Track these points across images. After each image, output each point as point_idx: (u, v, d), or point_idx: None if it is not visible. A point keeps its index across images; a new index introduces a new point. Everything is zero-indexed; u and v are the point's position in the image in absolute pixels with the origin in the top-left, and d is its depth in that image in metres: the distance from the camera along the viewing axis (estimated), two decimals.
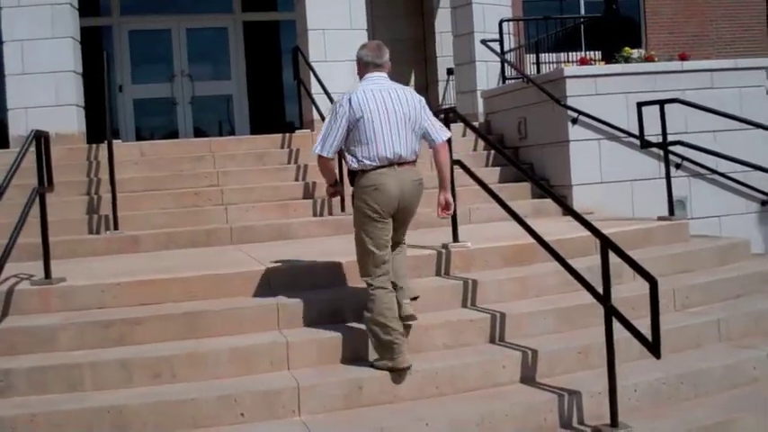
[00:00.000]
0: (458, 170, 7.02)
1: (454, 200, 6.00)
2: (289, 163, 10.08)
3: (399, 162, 5.35)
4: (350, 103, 5.35)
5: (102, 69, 9.83)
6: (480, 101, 12.08)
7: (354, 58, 5.69)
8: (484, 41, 11.95)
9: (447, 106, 13.87)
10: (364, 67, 5.58)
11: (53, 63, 10.61)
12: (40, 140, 6.30)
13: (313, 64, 11.01)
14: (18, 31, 10.62)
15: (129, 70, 14.58)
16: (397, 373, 5.27)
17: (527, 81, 10.52)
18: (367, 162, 5.33)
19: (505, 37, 12.18)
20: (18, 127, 10.50)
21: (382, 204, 5.31)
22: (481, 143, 10.76)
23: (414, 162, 5.46)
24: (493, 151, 10.38)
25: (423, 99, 5.63)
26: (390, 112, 5.35)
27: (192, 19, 14.83)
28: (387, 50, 5.61)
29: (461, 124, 8.90)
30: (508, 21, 12.44)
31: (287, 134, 10.65)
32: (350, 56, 11.33)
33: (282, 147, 10.45)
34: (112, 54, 14.16)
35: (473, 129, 7.56)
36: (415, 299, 5.72)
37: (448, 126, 6.68)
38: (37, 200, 6.27)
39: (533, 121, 10.43)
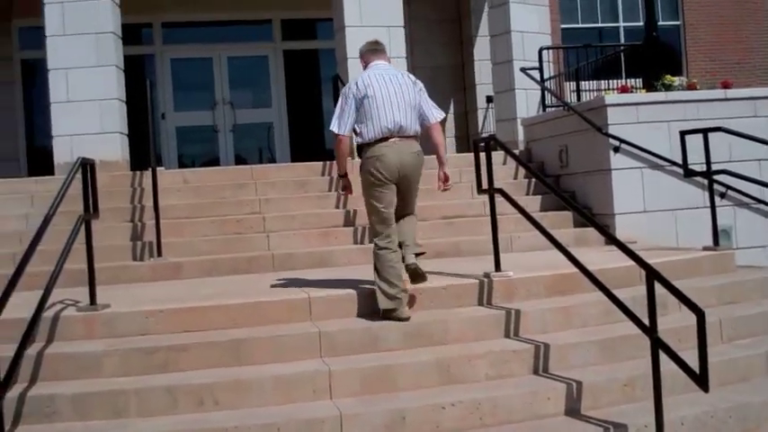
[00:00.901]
0: (499, 198, 6.98)
1: (496, 228, 6.64)
2: (329, 190, 10.12)
3: (400, 134, 6.13)
4: (356, 85, 6.19)
5: (145, 97, 9.96)
6: (520, 129, 12.06)
7: None
8: (523, 69, 11.94)
9: (487, 134, 13.87)
10: (367, 57, 6.48)
11: (97, 91, 10.76)
12: (87, 168, 6.37)
13: None
14: (63, 60, 10.80)
15: (171, 98, 14.77)
16: (397, 322, 5.98)
17: (567, 109, 10.48)
18: (371, 135, 6.11)
19: (545, 65, 12.16)
20: (63, 154, 10.64)
21: (384, 171, 6.09)
22: (522, 171, 10.73)
23: (415, 137, 6.26)
24: (534, 179, 10.35)
25: (420, 83, 6.40)
26: (391, 92, 6.15)
27: (234, 47, 15.01)
28: (383, 43, 6.55)
29: (502, 152, 8.88)
30: (548, 49, 12.42)
31: (327, 161, 10.69)
32: None
33: (323, 174, 10.49)
34: (155, 82, 14.35)
35: (514, 157, 7.54)
36: (420, 254, 6.40)
37: (489, 154, 6.99)
38: (83, 227, 6.33)
39: (574, 149, 10.38)
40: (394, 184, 6.16)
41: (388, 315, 6.06)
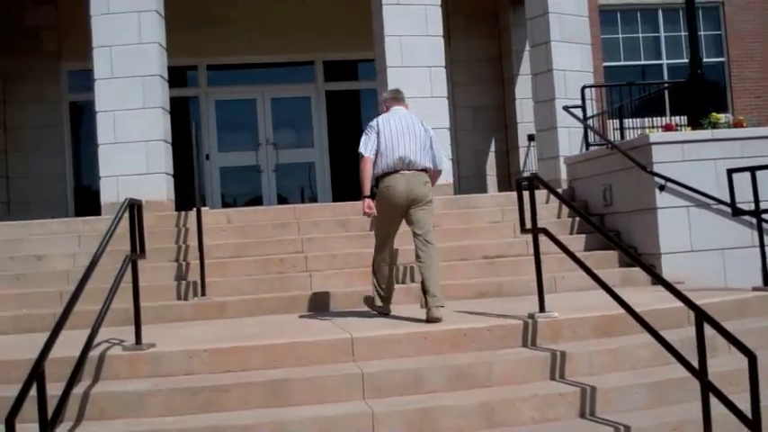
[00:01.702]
0: (542, 238, 6.95)
1: (540, 268, 6.87)
2: (371, 229, 10.09)
3: (409, 168, 7.16)
4: (377, 123, 7.33)
5: (190, 138, 10.09)
6: (563, 167, 12.00)
7: (433, 126, 7.80)
8: (566, 108, 11.91)
9: (528, 172, 13.81)
10: (389, 103, 7.63)
11: (144, 132, 10.94)
12: (134, 209, 6.45)
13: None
14: (111, 102, 10.99)
15: (215, 139, 14.95)
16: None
17: (611, 147, 10.41)
18: (385, 168, 7.17)
19: (587, 103, 12.12)
20: (109, 194, 10.80)
21: (393, 198, 7.13)
22: (565, 210, 10.66)
23: (424, 170, 7.26)
24: (578, 218, 10.28)
25: (431, 130, 7.51)
26: (404, 132, 7.23)
27: (277, 89, 15.19)
28: (403, 92, 7.73)
29: (544, 191, 8.83)
30: (590, 87, 12.39)
31: None
32: (431, 124, 11.42)
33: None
34: (200, 123, 14.54)
35: (557, 195, 7.48)
36: (441, 307, 6.90)
37: (532, 193, 7.04)
38: (129, 266, 6.39)
39: (619, 188, 10.30)
40: (400, 209, 7.19)
41: (380, 311, 7.67)
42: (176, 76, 13.41)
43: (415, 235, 7.20)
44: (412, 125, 7.31)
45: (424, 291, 6.95)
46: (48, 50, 14.37)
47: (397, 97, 7.63)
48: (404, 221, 7.39)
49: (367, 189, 7.17)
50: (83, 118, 14.55)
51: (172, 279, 9.12)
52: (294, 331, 6.94)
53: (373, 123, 7.36)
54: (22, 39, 14.19)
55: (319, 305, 8.55)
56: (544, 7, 12.51)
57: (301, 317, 8.09)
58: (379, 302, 7.67)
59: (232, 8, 14.51)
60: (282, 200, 14.99)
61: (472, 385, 5.87)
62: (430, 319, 6.79)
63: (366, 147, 7.23)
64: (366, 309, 8.10)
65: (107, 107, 11.02)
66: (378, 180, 7.27)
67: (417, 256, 7.17)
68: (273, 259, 9.45)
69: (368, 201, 7.18)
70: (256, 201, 14.89)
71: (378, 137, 7.21)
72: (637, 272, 8.97)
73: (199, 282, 8.72)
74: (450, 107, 12.37)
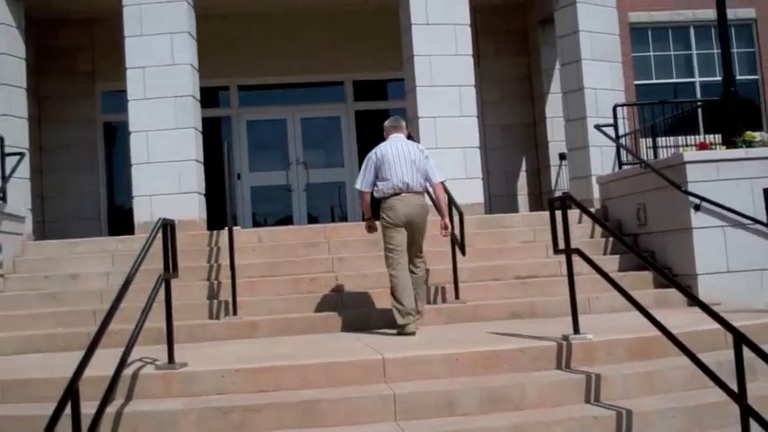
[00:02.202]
0: (576, 258, 6.88)
1: (573, 289, 6.76)
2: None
3: (408, 190, 7.85)
4: (376, 154, 8.00)
5: (221, 158, 10.15)
6: (595, 186, 11.92)
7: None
8: (597, 126, 11.84)
9: (560, 191, 13.74)
10: (388, 131, 8.28)
11: (176, 152, 11.04)
12: (167, 228, 6.48)
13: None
14: (144, 122, 11.12)
15: (246, 158, 15.02)
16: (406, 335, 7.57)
17: (644, 166, 10.33)
18: (386, 191, 7.88)
19: (619, 121, 12.04)
20: (143, 214, 10.90)
21: (394, 219, 7.83)
22: (598, 230, 10.59)
23: (420, 193, 8.01)
24: (611, 238, 10.20)
25: (426, 151, 8.19)
26: (401, 158, 7.90)
27: (307, 109, 15.25)
28: (403, 120, 8.37)
29: (577, 210, 8.77)
30: (622, 106, 12.32)
31: None
32: (461, 143, 11.56)
33: None
34: (231, 143, 14.61)
35: (590, 215, 7.42)
36: (419, 312, 7.96)
37: (564, 213, 6.93)
38: (162, 285, 6.41)
39: (653, 208, 10.21)
40: (403, 227, 7.85)
41: (401, 331, 7.67)
42: (208, 97, 13.52)
43: (408, 255, 7.98)
44: (408, 151, 7.99)
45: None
46: (82, 71, 14.53)
47: (396, 125, 8.30)
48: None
49: (367, 214, 8.23)
50: (116, 138, 14.68)
51: (204, 298, 9.16)
52: (326, 351, 6.92)
53: (371, 154, 8.06)
54: (58, 59, 14.36)
55: (350, 325, 8.53)
56: (574, 26, 12.49)
57: (333, 337, 8.08)
58: (400, 320, 7.70)
59: (263, 29, 14.62)
60: (313, 219, 15.01)
61: (505, 408, 5.81)
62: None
63: (362, 181, 8.04)
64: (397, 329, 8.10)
65: (140, 127, 11.14)
66: (380, 202, 7.96)
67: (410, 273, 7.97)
68: (304, 279, 9.46)
69: (367, 223, 8.32)
70: (287, 220, 14.93)
71: (378, 167, 7.94)
72: (672, 293, 8.88)
73: (230, 301, 8.74)
74: (480, 126, 12.35)
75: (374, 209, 8.13)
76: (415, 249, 8.06)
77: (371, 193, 8.01)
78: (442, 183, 8.25)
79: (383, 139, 8.25)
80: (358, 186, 8.08)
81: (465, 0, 11.98)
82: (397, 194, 7.85)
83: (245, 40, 14.56)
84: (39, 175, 13.68)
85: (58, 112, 14.31)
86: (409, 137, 8.50)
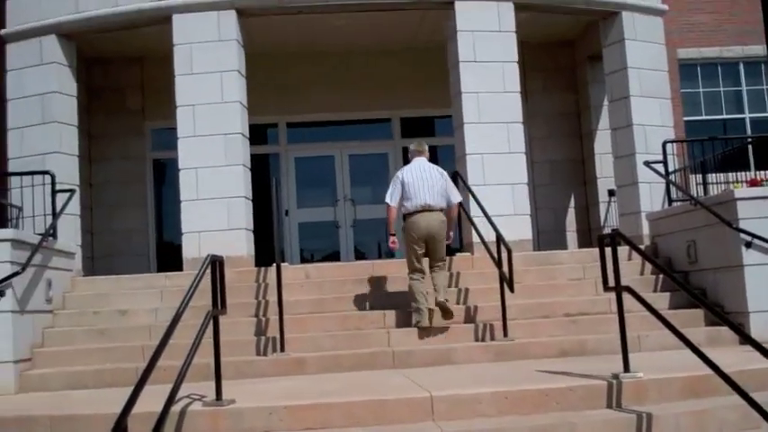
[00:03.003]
0: (625, 295, 6.80)
1: (624, 327, 6.71)
2: (450, 286, 10.07)
3: (428, 209, 9.10)
4: (401, 174, 9.34)
5: (270, 194, 10.23)
6: (645, 223, 11.80)
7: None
8: (647, 163, 11.74)
9: (610, 228, 13.62)
10: (412, 155, 9.60)
11: (225, 189, 11.16)
12: (216, 265, 6.53)
13: (472, 187, 11.07)
14: (193, 159, 11.27)
15: (294, 195, 15.11)
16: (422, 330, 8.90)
17: (694, 203, 10.21)
18: (409, 208, 9.17)
19: (669, 157, 11.93)
20: (191, 250, 11.00)
21: (416, 232, 9.13)
22: (648, 267, 10.46)
23: (441, 210, 9.22)
24: (661, 275, 10.07)
25: (445, 173, 9.41)
26: (423, 180, 9.20)
27: (355, 145, 15.32)
28: (425, 144, 9.70)
29: (626, 247, 8.66)
30: (671, 142, 12.21)
31: (448, 257, 10.67)
32: (509, 179, 11.54)
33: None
34: (279, 179, 14.73)
35: (640, 253, 7.36)
36: (446, 300, 9.05)
37: (614, 250, 6.89)
38: (210, 322, 6.45)
39: (703, 245, 10.06)
40: (423, 240, 9.11)
41: (417, 325, 9.00)
42: (257, 134, 13.65)
43: (430, 262, 9.26)
44: (430, 174, 9.27)
45: (435, 289, 9.11)
46: (132, 109, 14.72)
47: (419, 149, 9.61)
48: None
49: (391, 230, 9.36)
50: (165, 174, 14.86)
51: (251, 334, 9.20)
52: (373, 389, 6.90)
53: (398, 174, 9.42)
54: (108, 97, 14.58)
55: (398, 362, 8.50)
56: (623, 62, 12.45)
57: (380, 374, 8.05)
58: (416, 317, 9.04)
59: (311, 66, 14.75)
60: (360, 255, 15.02)
61: None
62: (438, 305, 8.98)
63: (391, 197, 9.29)
64: (445, 366, 8.08)
65: (189, 164, 11.29)
66: (404, 217, 9.27)
67: (431, 274, 9.24)
68: (352, 315, 9.48)
69: (392, 238, 9.39)
70: (334, 256, 14.96)
71: (401, 186, 9.20)
72: (724, 331, 8.72)
73: (278, 337, 8.77)
74: (528, 162, 12.32)
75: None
76: (436, 258, 9.25)
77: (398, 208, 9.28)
78: (459, 203, 9.55)
79: None
80: (387, 200, 9.30)
81: (513, 37, 12.01)
82: (419, 212, 9.11)
83: (294, 77, 14.70)
84: (88, 211, 13.87)
85: (108, 149, 14.48)
86: (431, 154, 9.85)
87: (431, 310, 8.97)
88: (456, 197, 9.43)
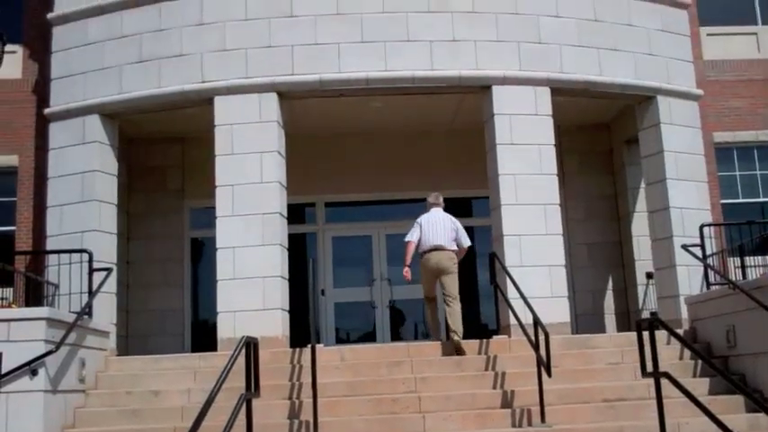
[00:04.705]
0: (664, 381, 6.71)
1: (663, 414, 6.94)
2: (486, 369, 9.99)
3: (439, 248, 10.75)
4: (421, 220, 11.00)
5: (306, 273, 10.27)
6: (683, 306, 11.67)
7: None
8: (684, 246, 11.68)
9: (648, 311, 13.48)
10: (429, 206, 11.26)
11: (262, 269, 11.23)
12: (250, 347, 6.55)
13: (509, 269, 11.05)
14: (231, 239, 11.42)
15: (331, 274, 15.12)
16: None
17: (733, 287, 10.09)
18: (424, 247, 10.83)
19: (706, 241, 11.85)
20: (226, 330, 11.03)
21: (428, 266, 10.83)
22: (687, 351, 10.29)
23: (452, 250, 10.86)
24: (701, 360, 9.90)
25: (456, 221, 11.08)
26: (437, 225, 10.91)
27: (392, 225, 15.31)
28: (441, 197, 11.38)
29: (665, 330, 8.56)
30: (709, 226, 12.14)
31: (484, 340, 10.64)
32: (546, 261, 11.53)
33: (480, 353, 10.42)
34: (316, 258, 14.78)
35: (678, 338, 7.32)
36: (462, 339, 10.36)
37: (652, 335, 6.97)
38: (244, 404, 6.44)
39: (743, 329, 9.91)
40: (434, 274, 10.82)
41: (433, 339, 10.97)
42: (295, 213, 13.75)
43: (443, 295, 10.75)
44: (443, 221, 10.96)
45: (448, 329, 10.51)
46: (172, 188, 14.90)
47: (435, 202, 11.26)
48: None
49: (407, 261, 10.87)
50: (203, 253, 14.97)
51: (285, 417, 9.14)
52: None
53: (419, 220, 11.05)
54: (148, 176, 14.78)
55: None
56: (659, 146, 12.49)
57: None
58: (432, 336, 11.16)
59: (350, 147, 14.90)
60: (397, 335, 14.94)
61: None
62: (454, 345, 10.34)
63: (412, 236, 10.94)
64: None
65: (227, 244, 11.39)
66: (421, 255, 10.88)
67: (446, 309, 10.63)
68: (386, 399, 9.38)
69: (407, 268, 10.87)
70: (370, 336, 14.89)
71: (420, 228, 10.90)
72: (764, 418, 8.44)
73: (311, 421, 8.69)
74: (565, 244, 12.29)
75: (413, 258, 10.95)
76: (447, 292, 10.68)
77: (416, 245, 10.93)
78: (468, 247, 11.11)
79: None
80: (408, 238, 10.96)
81: (549, 120, 12.11)
82: (432, 250, 10.76)
83: (333, 157, 14.85)
84: (125, 289, 13.97)
85: (147, 227, 14.64)
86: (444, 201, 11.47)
87: (443, 342, 10.69)
88: (466, 241, 11.03)
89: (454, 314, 10.53)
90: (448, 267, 10.76)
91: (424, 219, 11.03)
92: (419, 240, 10.88)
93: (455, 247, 10.91)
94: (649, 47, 12.84)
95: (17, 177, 13.96)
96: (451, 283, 10.73)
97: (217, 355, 10.55)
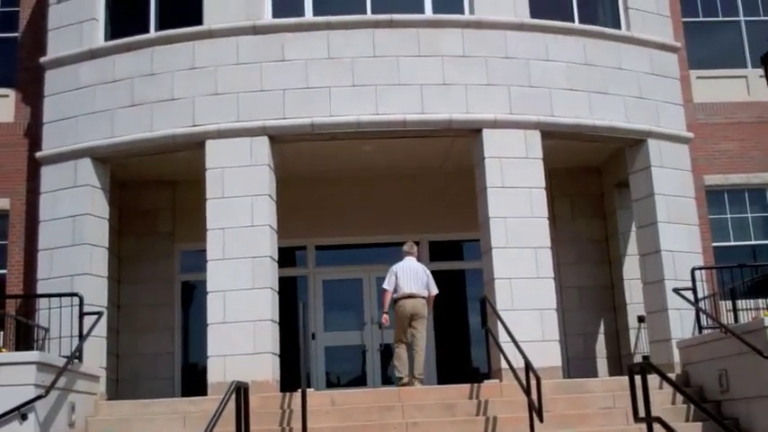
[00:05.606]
0: (657, 426, 6.67)
1: None
2: (477, 414, 9.93)
3: (412, 296, 11.41)
4: (395, 269, 11.59)
5: (296, 317, 10.23)
6: (676, 350, 11.65)
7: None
8: (676, 290, 11.70)
9: (640, 355, 13.43)
10: (403, 254, 11.83)
11: (252, 312, 11.22)
12: (240, 392, 6.50)
13: (500, 312, 11.04)
14: (221, 283, 11.37)
15: (321, 318, 15.05)
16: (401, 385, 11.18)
17: (725, 331, 10.08)
18: (399, 294, 11.43)
19: (698, 284, 11.86)
20: (216, 374, 10.96)
21: (401, 312, 11.45)
22: (680, 396, 10.24)
23: (423, 297, 11.55)
24: (693, 405, 9.85)
25: (428, 270, 11.80)
26: (409, 274, 11.54)
27: (383, 268, 15.11)
28: (415, 246, 12.10)
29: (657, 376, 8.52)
30: (701, 269, 12.15)
31: (475, 384, 10.57)
32: (537, 304, 11.52)
33: (471, 397, 10.36)
34: (307, 302, 14.71)
35: (670, 382, 7.30)
36: (419, 375, 11.40)
37: (644, 380, 6.67)
38: None
39: (735, 373, 9.88)
40: (407, 319, 11.42)
41: (398, 382, 11.41)
42: (285, 256, 13.71)
43: (412, 337, 11.47)
44: (416, 270, 11.63)
45: (411, 367, 11.42)
46: (163, 231, 14.83)
47: (409, 251, 11.90)
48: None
49: (385, 308, 11.55)
50: (193, 296, 14.90)
51: None
52: None
53: (393, 268, 11.63)
54: (140, 220, 14.72)
55: None
56: (650, 189, 12.55)
57: None
58: (397, 375, 11.49)
59: (341, 190, 14.92)
60: (387, 379, 14.84)
61: None
62: (412, 380, 11.29)
63: (388, 283, 11.56)
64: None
65: (218, 287, 11.36)
66: (395, 301, 11.49)
67: (414, 351, 11.44)
68: None
69: (385, 315, 11.59)
70: (360, 380, 14.80)
71: (395, 276, 11.50)
72: None
73: None
74: (556, 287, 12.29)
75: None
76: (417, 331, 11.46)
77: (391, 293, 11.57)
78: (436, 295, 11.80)
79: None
80: (384, 286, 11.62)
81: (540, 163, 12.17)
82: (405, 297, 11.41)
83: (324, 200, 14.85)
84: (115, 333, 13.86)
85: (138, 270, 14.56)
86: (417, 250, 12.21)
87: (403, 380, 11.38)
88: (435, 290, 11.76)
89: (419, 358, 11.43)
90: (420, 312, 11.51)
91: (399, 267, 11.67)
92: (395, 288, 11.53)
93: (426, 294, 11.62)
94: (639, 90, 12.96)
95: (8, 221, 13.91)
96: (422, 328, 11.53)
97: (207, 400, 10.45)
